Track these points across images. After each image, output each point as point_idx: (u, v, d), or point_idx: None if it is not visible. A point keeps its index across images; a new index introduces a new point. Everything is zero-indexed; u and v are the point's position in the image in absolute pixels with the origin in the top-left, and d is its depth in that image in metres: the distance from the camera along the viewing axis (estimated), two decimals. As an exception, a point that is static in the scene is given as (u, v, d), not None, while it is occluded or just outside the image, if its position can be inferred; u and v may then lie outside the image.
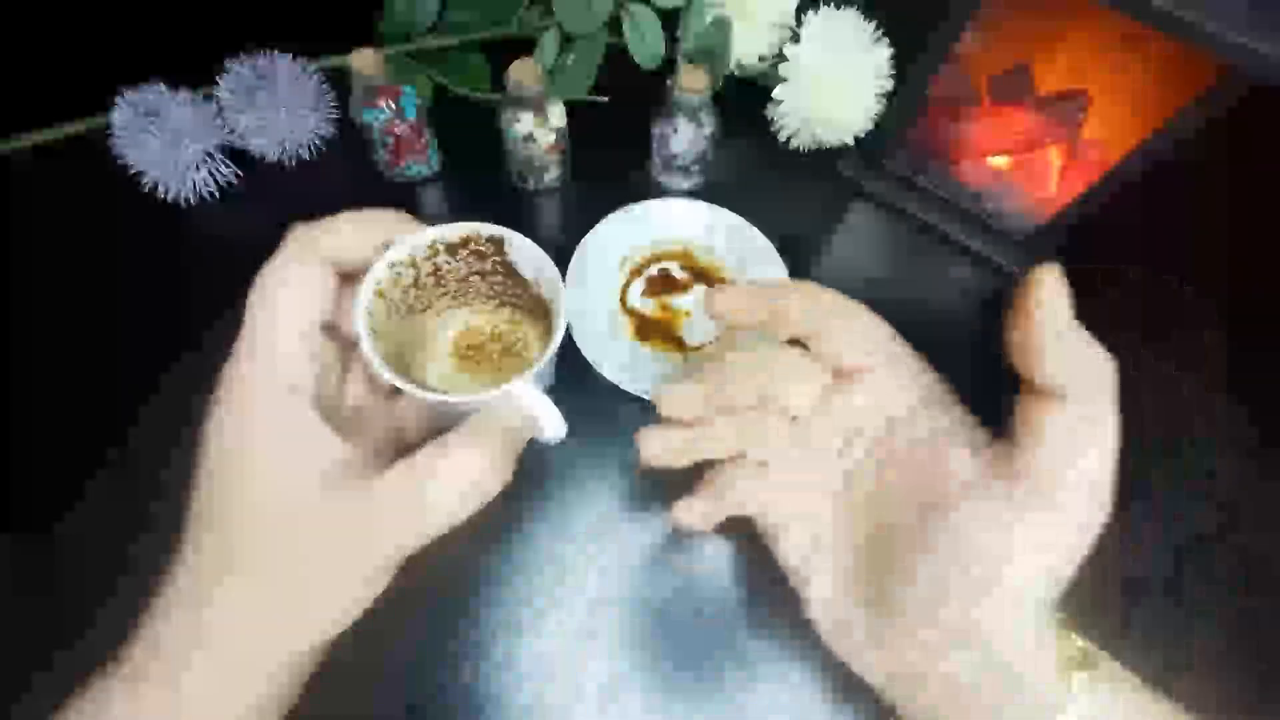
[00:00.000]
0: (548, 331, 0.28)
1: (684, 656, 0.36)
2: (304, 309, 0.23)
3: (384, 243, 0.26)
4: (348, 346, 0.26)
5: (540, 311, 0.30)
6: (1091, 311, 0.23)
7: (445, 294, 0.30)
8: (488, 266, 0.29)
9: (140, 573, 0.22)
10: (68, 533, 0.36)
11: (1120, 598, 0.37)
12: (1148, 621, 0.37)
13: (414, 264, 0.27)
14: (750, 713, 0.35)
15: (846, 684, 0.35)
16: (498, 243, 0.28)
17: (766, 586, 0.37)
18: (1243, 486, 0.42)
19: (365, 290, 0.25)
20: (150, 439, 0.38)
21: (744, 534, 0.39)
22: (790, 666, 0.36)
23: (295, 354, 0.23)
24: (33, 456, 0.38)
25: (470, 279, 0.30)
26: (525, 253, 0.28)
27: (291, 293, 0.23)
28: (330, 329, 0.25)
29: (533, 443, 0.26)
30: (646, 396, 0.40)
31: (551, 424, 0.25)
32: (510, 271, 0.29)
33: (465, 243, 0.28)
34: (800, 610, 0.37)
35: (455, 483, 0.23)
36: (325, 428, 0.23)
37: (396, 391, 0.29)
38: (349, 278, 0.26)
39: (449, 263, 0.28)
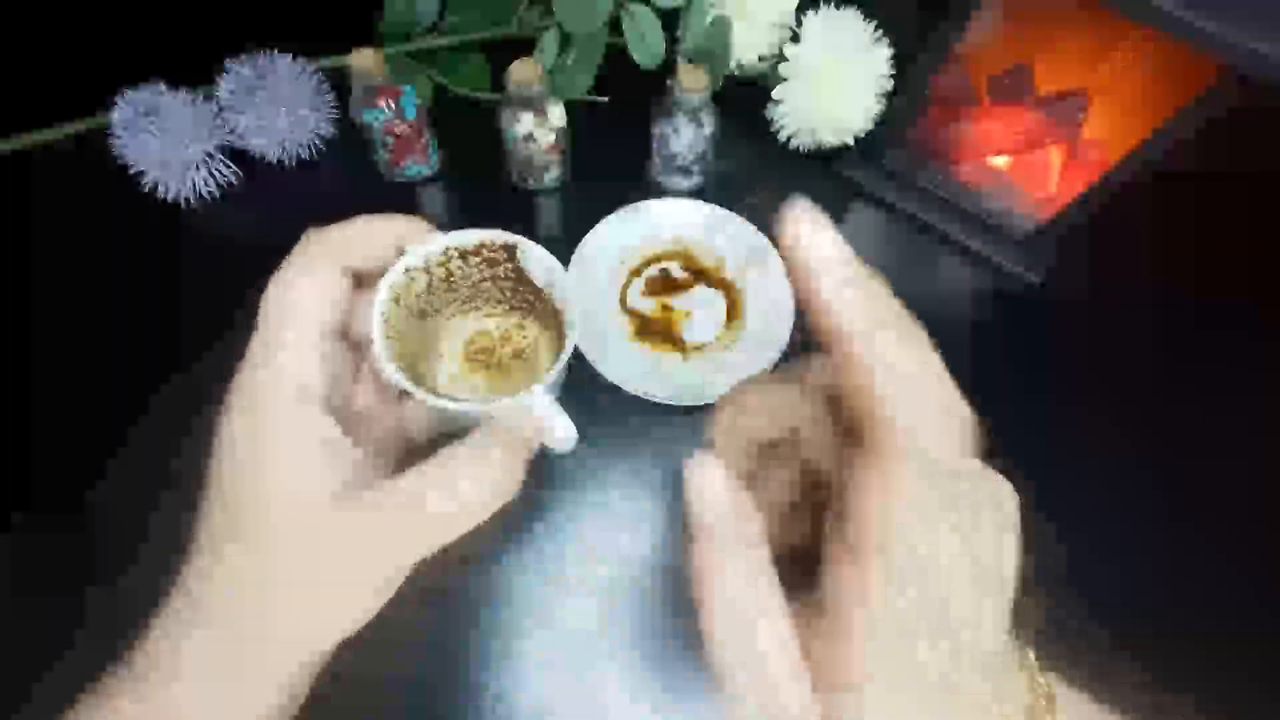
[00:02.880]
0: (558, 336, 0.28)
1: (689, 658, 0.36)
2: (319, 314, 0.23)
3: (398, 248, 0.26)
4: (358, 350, 0.26)
5: (550, 317, 0.30)
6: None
7: (456, 299, 0.30)
8: (500, 272, 0.29)
9: (150, 575, 0.22)
10: (72, 534, 0.36)
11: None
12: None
13: (428, 269, 0.27)
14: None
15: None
16: (510, 249, 0.28)
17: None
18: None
19: (381, 296, 0.25)
20: (151, 439, 0.38)
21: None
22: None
23: (308, 359, 0.23)
24: (32, 457, 0.38)
25: (482, 284, 0.30)
26: (538, 260, 0.28)
27: (306, 297, 0.23)
28: (342, 333, 0.25)
29: (542, 449, 0.26)
30: (646, 396, 0.40)
31: (563, 432, 0.25)
32: (522, 278, 0.29)
33: (478, 249, 0.28)
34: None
35: (470, 490, 0.23)
36: (339, 433, 0.23)
37: (405, 394, 0.29)
38: (361, 281, 0.26)
39: (461, 268, 0.28)
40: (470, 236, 0.27)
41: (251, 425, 0.22)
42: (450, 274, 0.28)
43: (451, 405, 0.24)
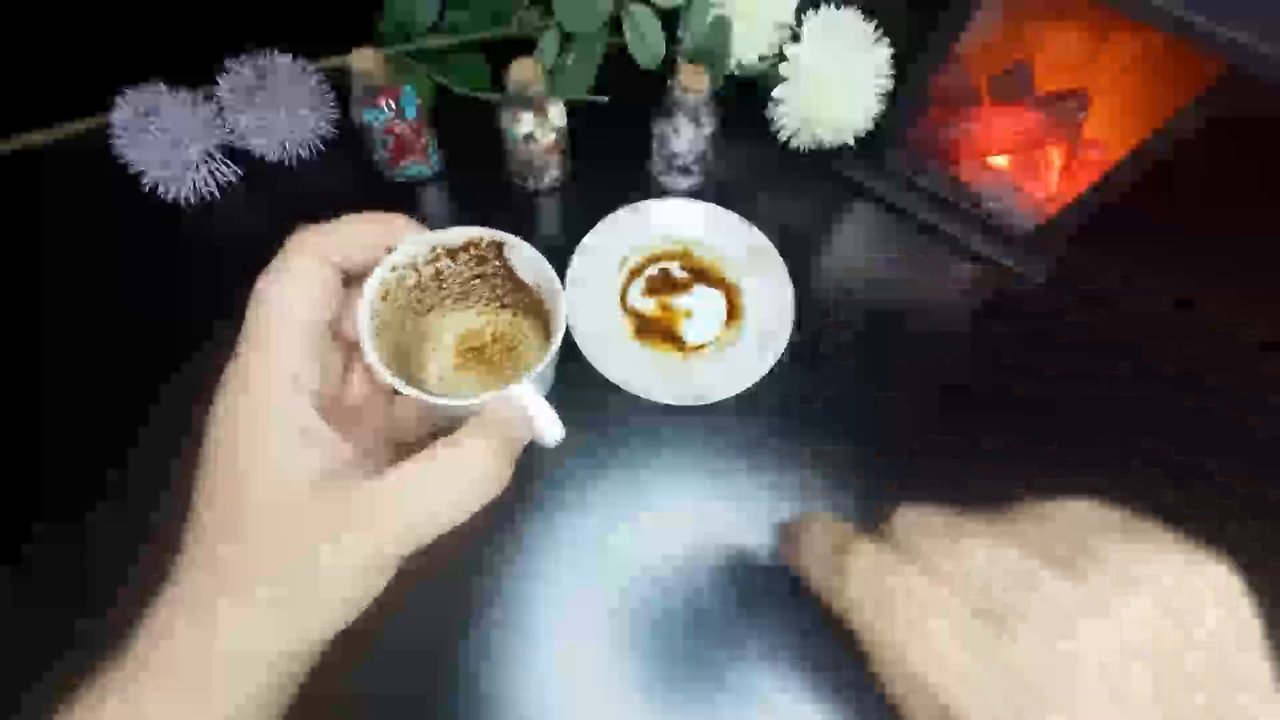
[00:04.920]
0: (548, 333, 0.28)
1: (681, 659, 0.36)
2: (306, 307, 0.24)
3: (386, 245, 0.26)
4: (350, 347, 0.26)
5: (541, 313, 0.30)
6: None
7: (447, 296, 0.30)
8: (488, 270, 0.30)
9: (144, 567, 0.23)
10: (73, 530, 0.36)
11: None
12: None
13: (416, 267, 0.27)
14: (747, 716, 0.35)
15: (846, 691, 0.36)
16: (498, 247, 0.28)
17: (766, 590, 0.38)
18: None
19: (368, 291, 0.25)
20: (150, 442, 0.38)
21: (740, 540, 0.39)
22: (790, 670, 0.36)
23: (297, 350, 0.23)
24: (32, 457, 0.38)
25: (471, 282, 0.30)
26: (525, 257, 0.28)
27: (293, 291, 0.23)
28: (333, 329, 0.25)
29: (531, 445, 0.26)
30: (646, 396, 0.40)
31: (549, 427, 0.25)
32: (511, 275, 0.29)
33: (466, 246, 0.28)
34: (795, 617, 0.37)
35: (458, 483, 0.23)
36: (325, 425, 0.23)
37: (397, 392, 0.29)
38: (352, 279, 0.26)
39: (450, 266, 0.29)
40: (457, 234, 0.27)
41: (239, 414, 0.22)
42: (439, 272, 0.29)
43: (438, 400, 0.24)
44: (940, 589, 0.20)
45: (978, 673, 0.18)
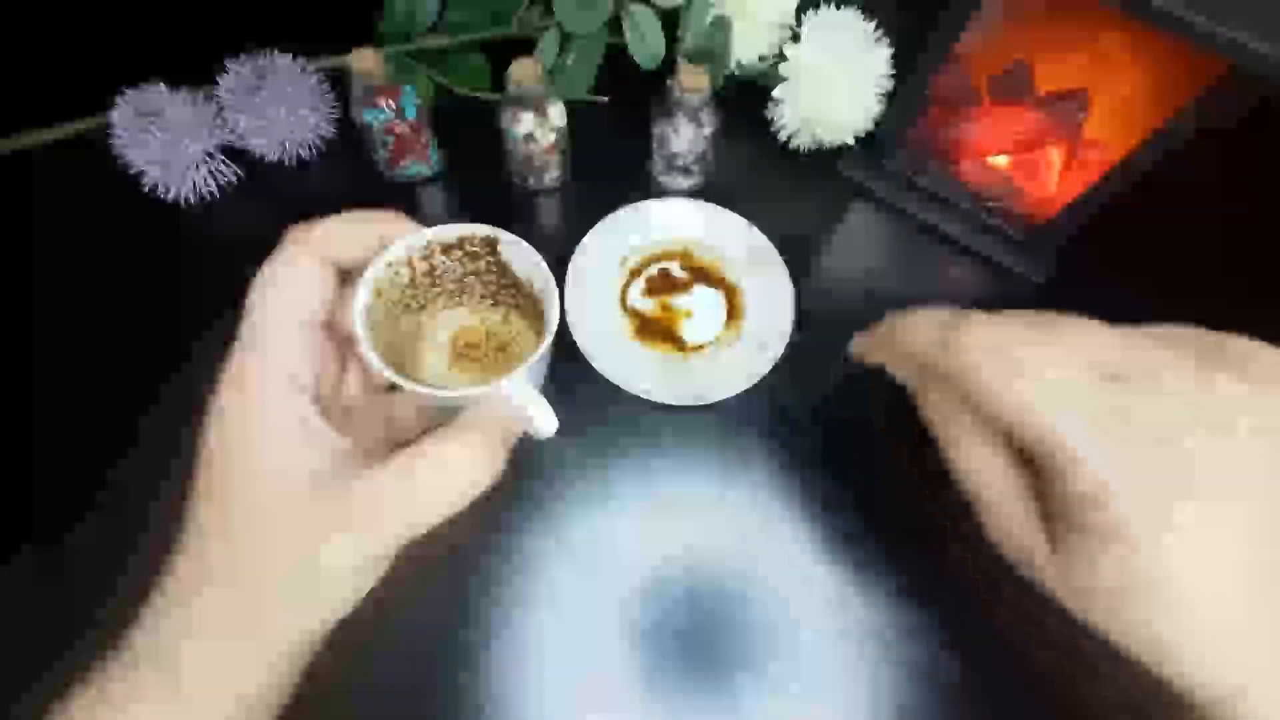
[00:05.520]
0: (543, 330, 0.28)
1: (682, 660, 0.36)
2: (302, 304, 0.24)
3: (381, 242, 0.26)
4: (346, 345, 0.26)
5: (535, 310, 0.30)
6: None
7: (441, 293, 0.30)
8: (482, 266, 0.30)
9: (139, 570, 0.23)
10: (68, 532, 0.36)
11: None
12: None
13: (410, 264, 0.27)
14: (747, 715, 0.35)
15: (847, 691, 0.36)
16: (491, 243, 0.28)
17: (767, 590, 0.38)
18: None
19: (362, 289, 0.25)
20: (150, 440, 0.38)
21: (740, 539, 0.39)
22: (790, 671, 0.36)
23: (294, 348, 0.23)
24: (34, 457, 0.38)
25: (466, 279, 0.30)
26: (518, 253, 0.28)
27: (290, 289, 0.24)
28: (329, 327, 0.25)
29: (526, 438, 0.26)
30: (646, 396, 0.40)
31: (543, 419, 0.26)
32: (505, 271, 0.29)
33: (460, 243, 0.28)
34: (795, 616, 0.37)
35: (451, 472, 0.23)
36: (324, 424, 0.23)
37: (392, 390, 0.29)
38: (347, 277, 0.26)
39: (445, 263, 0.29)
40: (451, 230, 0.27)
41: (237, 410, 0.22)
42: (433, 268, 0.29)
43: (431, 392, 0.25)
44: (1063, 350, 0.20)
45: (1100, 422, 0.19)
